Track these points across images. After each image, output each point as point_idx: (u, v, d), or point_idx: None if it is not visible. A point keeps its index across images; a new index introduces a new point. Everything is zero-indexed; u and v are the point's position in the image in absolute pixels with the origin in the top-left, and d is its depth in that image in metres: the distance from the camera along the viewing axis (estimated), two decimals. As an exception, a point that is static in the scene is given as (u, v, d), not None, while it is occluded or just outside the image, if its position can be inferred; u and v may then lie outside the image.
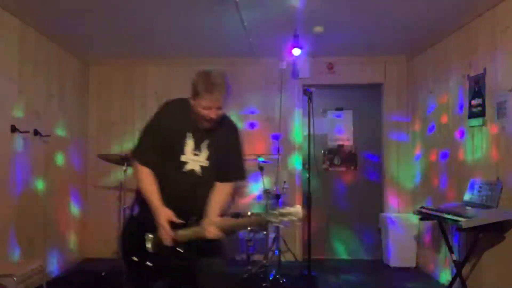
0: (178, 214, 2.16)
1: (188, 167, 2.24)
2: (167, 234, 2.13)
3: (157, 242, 2.17)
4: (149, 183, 2.24)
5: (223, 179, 2.32)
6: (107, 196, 5.37)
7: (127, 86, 5.45)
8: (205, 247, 2.20)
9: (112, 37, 4.62)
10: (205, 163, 2.26)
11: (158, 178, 2.25)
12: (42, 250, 4.27)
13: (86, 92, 5.42)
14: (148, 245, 2.19)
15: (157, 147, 2.26)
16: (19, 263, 3.77)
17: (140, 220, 2.30)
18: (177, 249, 2.15)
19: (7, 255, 3.67)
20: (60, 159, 4.68)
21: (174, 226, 2.15)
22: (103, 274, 4.39)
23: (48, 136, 4.28)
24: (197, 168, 2.25)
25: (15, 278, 3.17)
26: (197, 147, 2.25)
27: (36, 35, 4.15)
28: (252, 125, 5.42)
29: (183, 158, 2.23)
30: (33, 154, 4.10)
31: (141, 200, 2.27)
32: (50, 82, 4.46)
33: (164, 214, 2.15)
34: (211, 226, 2.11)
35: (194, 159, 2.25)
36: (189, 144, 2.25)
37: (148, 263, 2.21)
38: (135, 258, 2.25)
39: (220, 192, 2.29)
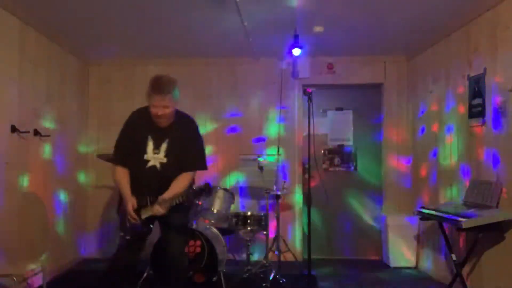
0: (143, 197, 2.84)
1: (150, 164, 2.81)
2: (131, 217, 2.82)
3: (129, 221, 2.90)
4: (123, 178, 2.87)
5: (184, 169, 2.86)
6: (107, 196, 5.38)
7: (127, 86, 5.44)
8: (171, 225, 2.93)
9: (112, 37, 4.62)
10: (164, 160, 2.80)
11: (130, 173, 2.87)
12: (42, 250, 4.27)
13: (86, 92, 5.43)
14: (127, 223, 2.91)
15: (128, 150, 2.87)
16: (19, 263, 3.77)
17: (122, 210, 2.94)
18: (141, 225, 2.84)
19: (7, 255, 3.67)
20: (60, 159, 4.68)
21: (139, 208, 2.84)
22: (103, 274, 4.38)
23: (48, 136, 4.28)
24: (158, 164, 2.81)
25: (15, 278, 3.17)
26: (157, 147, 2.81)
27: (36, 35, 4.15)
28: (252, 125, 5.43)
29: (145, 157, 2.81)
30: (33, 154, 4.10)
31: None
32: (50, 82, 4.46)
33: (130, 203, 2.81)
34: (155, 205, 2.77)
35: (155, 157, 2.80)
36: (150, 145, 2.82)
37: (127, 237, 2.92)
38: (121, 234, 2.96)
39: (178, 180, 2.84)
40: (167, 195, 2.80)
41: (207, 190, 2.88)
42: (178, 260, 3.01)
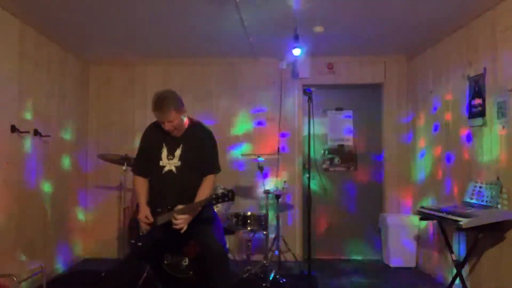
0: (163, 202, 2.96)
1: (166, 169, 2.98)
2: (143, 224, 3.00)
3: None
4: (140, 188, 3.09)
5: (204, 174, 3.02)
6: (107, 196, 5.38)
7: (127, 86, 5.45)
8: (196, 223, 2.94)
9: (112, 37, 4.61)
10: (178, 164, 2.96)
11: (150, 179, 3.08)
12: (42, 250, 4.27)
13: (86, 92, 5.42)
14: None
15: (145, 160, 3.10)
16: (19, 263, 3.77)
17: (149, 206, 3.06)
18: (159, 230, 2.96)
19: (8, 255, 3.67)
20: (60, 159, 4.68)
21: (155, 213, 2.99)
22: (103, 274, 4.39)
23: (48, 136, 4.29)
24: (173, 169, 2.97)
25: (15, 278, 3.17)
26: (171, 154, 2.99)
27: (36, 35, 4.15)
28: (251, 125, 5.42)
29: (161, 163, 2.99)
30: (33, 154, 4.10)
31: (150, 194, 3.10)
32: (50, 82, 4.45)
33: (142, 212, 3.00)
34: (176, 219, 2.82)
35: (170, 162, 2.98)
36: (164, 152, 3.00)
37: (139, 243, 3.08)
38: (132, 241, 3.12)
39: (204, 184, 3.00)
40: (197, 199, 2.90)
41: (231, 196, 2.78)
42: (221, 255, 2.96)
